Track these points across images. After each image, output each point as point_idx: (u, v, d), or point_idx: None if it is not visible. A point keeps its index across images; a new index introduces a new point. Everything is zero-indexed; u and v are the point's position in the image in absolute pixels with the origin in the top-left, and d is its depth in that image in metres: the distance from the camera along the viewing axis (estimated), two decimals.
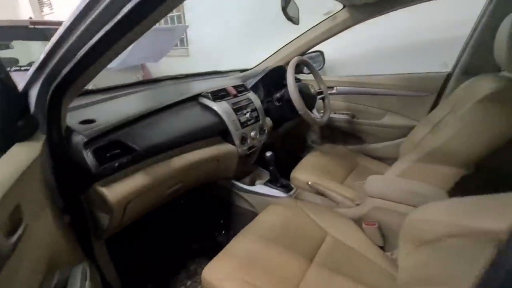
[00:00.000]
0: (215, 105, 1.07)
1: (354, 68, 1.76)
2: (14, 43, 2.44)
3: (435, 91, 1.31)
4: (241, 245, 0.81)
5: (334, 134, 1.71)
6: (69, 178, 0.69)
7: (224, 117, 1.07)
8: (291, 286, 0.70)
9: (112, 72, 2.00)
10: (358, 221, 0.93)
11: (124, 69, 2.18)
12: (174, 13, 2.79)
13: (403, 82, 1.40)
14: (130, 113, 0.84)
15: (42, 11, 5.90)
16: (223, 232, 1.31)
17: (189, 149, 0.96)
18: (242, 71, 1.67)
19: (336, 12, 1.34)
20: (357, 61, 1.75)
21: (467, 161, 0.81)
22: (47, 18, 5.68)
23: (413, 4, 1.17)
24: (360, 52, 1.72)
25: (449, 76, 1.27)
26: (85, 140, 0.68)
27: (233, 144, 1.10)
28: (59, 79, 0.59)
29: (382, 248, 0.88)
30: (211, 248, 0.88)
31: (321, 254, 0.81)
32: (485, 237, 0.62)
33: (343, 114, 1.62)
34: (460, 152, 0.81)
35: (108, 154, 0.71)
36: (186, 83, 1.36)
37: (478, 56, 1.15)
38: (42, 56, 0.60)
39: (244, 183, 1.25)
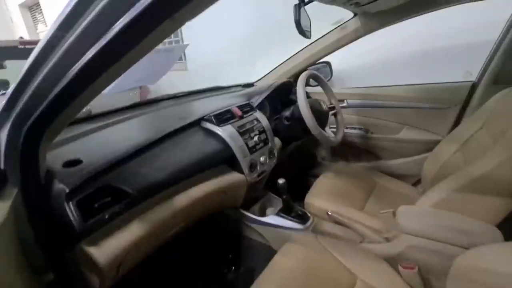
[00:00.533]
0: (219, 130, 0.96)
1: (364, 79, 1.65)
2: (8, 62, 2.35)
3: (458, 102, 1.20)
4: None
5: (346, 150, 1.59)
6: (50, 235, 0.56)
7: (230, 143, 0.95)
8: None
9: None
10: (391, 261, 0.80)
11: None
12: None
13: (421, 93, 1.29)
14: (123, 148, 0.72)
15: (36, 29, 5.85)
16: (233, 268, 1.17)
17: (192, 183, 0.84)
18: (245, 85, 1.56)
19: (346, 21, 1.24)
20: (368, 71, 1.64)
21: None
22: (43, 35, 5.62)
23: (431, 11, 1.07)
24: (370, 61, 1.62)
25: (474, 86, 1.16)
26: (67, 190, 0.56)
27: (242, 172, 0.98)
28: (33, 118, 0.47)
29: None
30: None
31: None
32: None
33: (355, 128, 1.51)
34: (510, 182, 0.69)
35: (96, 205, 0.58)
36: (186, 103, 1.25)
37: (509, 64, 1.04)
38: (10, 90, 0.48)
39: (253, 212, 1.13)
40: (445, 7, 1.05)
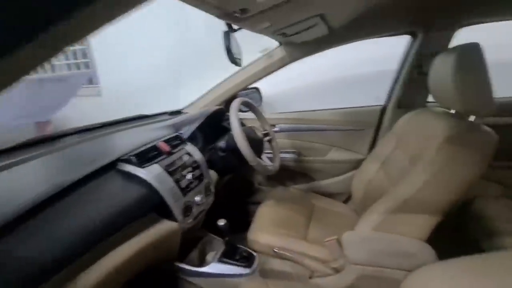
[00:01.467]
0: (142, 173, 0.79)
1: (292, 103, 1.72)
2: None
3: (373, 124, 1.35)
4: None
5: (281, 174, 1.59)
6: None
7: (157, 186, 0.79)
8: None
9: None
10: None
11: None
12: (77, 46, 2.32)
13: (342, 116, 1.41)
14: (7, 210, 0.49)
15: None
16: None
17: (113, 244, 0.65)
18: (172, 113, 1.41)
19: (273, 50, 1.27)
20: (295, 97, 1.73)
21: (441, 208, 0.76)
22: None
23: (347, 43, 1.18)
24: (297, 86, 1.71)
25: (384, 109, 1.32)
26: None
27: (174, 219, 0.82)
28: None
29: None
30: None
31: None
32: None
33: (288, 152, 1.53)
34: (433, 202, 0.76)
35: None
36: (99, 138, 1.02)
37: (408, 91, 1.22)
38: None
39: (191, 262, 0.96)
40: (359, 40, 1.19)
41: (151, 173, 0.80)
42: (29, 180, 0.71)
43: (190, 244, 1.05)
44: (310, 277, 0.91)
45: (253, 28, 0.74)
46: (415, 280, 0.63)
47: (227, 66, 1.32)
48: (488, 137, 0.73)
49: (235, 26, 0.71)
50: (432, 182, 0.73)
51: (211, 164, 1.12)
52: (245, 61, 1.34)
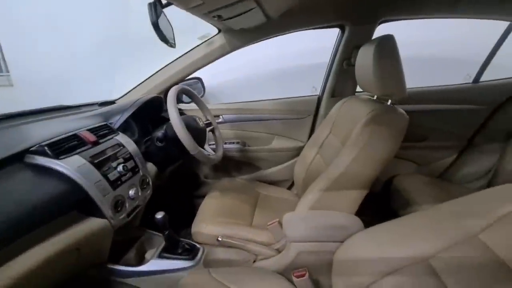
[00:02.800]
0: (59, 164, 0.68)
1: (233, 93, 1.71)
2: None
3: (311, 113, 1.43)
4: None
5: (227, 165, 1.58)
6: None
7: (80, 180, 0.70)
8: None
9: None
10: (285, 273, 0.80)
11: None
12: None
13: (284, 106, 1.45)
14: None
15: None
16: None
17: (23, 246, 0.54)
18: (103, 104, 1.27)
19: (212, 37, 1.24)
20: (235, 87, 1.72)
21: (367, 183, 0.84)
22: None
23: (284, 33, 1.22)
24: (238, 77, 1.71)
25: (319, 99, 1.41)
26: None
27: (102, 216, 0.74)
28: None
29: None
30: None
31: None
32: (418, 268, 0.62)
33: (233, 143, 1.52)
34: (360, 177, 0.84)
35: None
36: (7, 128, 0.85)
37: (339, 81, 1.33)
38: None
39: (127, 262, 0.89)
40: (295, 31, 1.23)
41: (70, 165, 0.70)
42: None
43: (127, 245, 0.97)
44: (254, 261, 0.92)
45: (184, 5, 0.69)
46: (345, 248, 0.69)
47: (168, 54, 1.25)
48: (401, 116, 0.83)
49: (164, 0, 0.66)
50: (358, 159, 0.81)
51: (148, 156, 1.04)
52: (184, 49, 1.29)
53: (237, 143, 1.51)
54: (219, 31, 1.21)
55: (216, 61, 1.29)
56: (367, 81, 0.89)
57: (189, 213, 1.13)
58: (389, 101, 0.90)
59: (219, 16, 0.87)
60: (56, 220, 0.65)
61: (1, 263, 0.52)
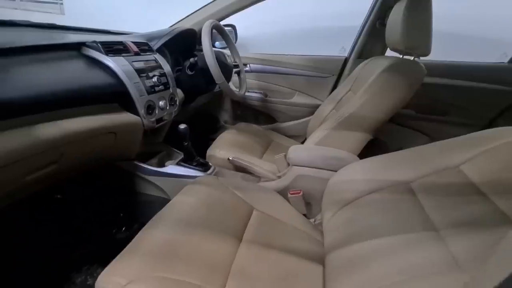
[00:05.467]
0: (109, 60, 0.80)
1: (264, 47, 1.76)
2: None
3: (335, 72, 1.45)
4: (152, 236, 0.63)
5: (246, 113, 1.68)
6: None
7: (123, 77, 0.82)
8: (222, 271, 0.59)
9: None
10: (283, 192, 0.91)
11: None
12: None
13: (310, 63, 1.49)
14: None
15: None
16: (124, 228, 1.04)
17: (68, 115, 0.68)
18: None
19: None
20: (267, 40, 1.76)
21: (372, 127, 0.90)
22: None
23: None
24: (269, 32, 1.74)
25: (346, 60, 1.43)
26: None
27: (137, 114, 0.87)
28: None
29: (305, 216, 0.89)
30: (107, 250, 0.65)
31: (249, 231, 0.73)
32: (398, 188, 0.70)
33: (255, 92, 1.60)
34: (367, 119, 0.89)
35: None
36: (59, 33, 0.99)
37: (369, 43, 1.33)
38: None
39: (152, 165, 1.03)
40: None
41: (117, 63, 0.82)
42: None
43: (151, 155, 1.11)
44: (258, 182, 1.03)
45: None
46: (339, 173, 0.77)
47: None
48: (418, 69, 0.86)
49: None
50: (368, 101, 0.86)
51: (178, 83, 1.15)
52: None
53: (259, 93, 1.59)
54: None
55: (252, 13, 1.33)
56: (394, 36, 0.91)
57: (204, 151, 1.24)
58: (412, 57, 0.93)
59: None
60: (101, 105, 0.78)
61: (56, 119, 0.65)
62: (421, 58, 0.91)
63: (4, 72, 0.56)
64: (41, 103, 0.61)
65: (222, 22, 1.48)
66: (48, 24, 1.06)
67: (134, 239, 0.62)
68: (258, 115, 1.65)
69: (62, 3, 2.14)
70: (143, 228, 0.66)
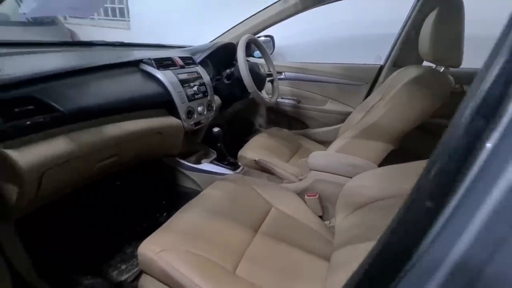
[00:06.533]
0: (159, 73, 0.98)
1: (301, 55, 1.83)
2: None
3: (369, 81, 1.46)
4: (183, 219, 0.76)
5: (280, 118, 1.76)
6: None
7: (169, 87, 0.99)
8: (236, 254, 0.69)
9: (30, 33, 1.66)
10: (301, 194, 0.98)
11: (48, 33, 1.84)
12: None
13: (343, 71, 1.51)
14: (47, 68, 0.70)
15: None
16: (165, 214, 1.22)
17: (127, 118, 0.86)
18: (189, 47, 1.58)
19: None
20: (304, 49, 1.83)
21: (394, 136, 0.91)
22: None
23: None
24: (307, 41, 1.80)
25: (381, 68, 1.42)
26: None
27: (179, 118, 1.03)
28: None
29: (321, 217, 0.94)
30: (151, 230, 0.78)
31: (265, 225, 0.83)
32: (402, 198, 0.72)
33: (289, 99, 1.68)
34: (389, 129, 0.91)
35: (16, 110, 0.58)
36: (124, 50, 1.22)
37: (405, 51, 1.31)
38: None
39: (190, 162, 1.19)
40: None
41: (165, 76, 0.99)
42: (69, 59, 0.93)
43: (191, 153, 1.28)
44: (280, 184, 1.11)
45: None
46: (354, 179, 0.82)
47: (249, 9, 1.45)
48: (443, 79, 0.85)
49: None
50: (391, 111, 0.88)
51: (217, 91, 1.30)
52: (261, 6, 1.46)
53: (293, 99, 1.66)
54: None
55: (291, 24, 1.42)
56: (424, 47, 0.92)
57: (238, 151, 1.37)
58: (442, 68, 0.91)
59: None
60: (151, 110, 0.96)
61: (118, 121, 0.83)
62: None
63: (85, 86, 0.76)
64: (108, 109, 0.80)
65: (262, 33, 1.62)
66: (118, 42, 1.31)
67: (169, 219, 0.76)
68: (291, 120, 1.73)
69: (129, 20, 2.51)
70: (177, 212, 0.80)
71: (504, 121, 0.18)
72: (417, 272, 0.20)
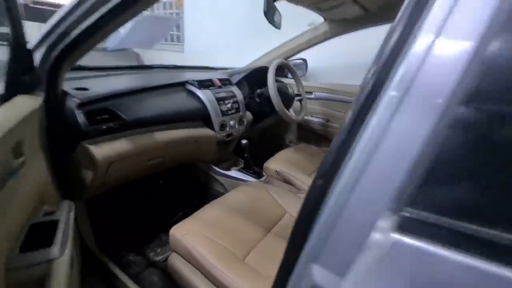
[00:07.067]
0: (200, 92, 1.19)
1: (331, 77, 1.93)
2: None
3: None
4: (207, 211, 0.92)
5: (309, 135, 1.86)
6: (61, 136, 0.78)
7: (207, 104, 1.19)
8: (247, 247, 0.81)
9: (108, 57, 2.09)
10: None
11: (120, 56, 2.28)
12: (174, 10, 2.92)
13: None
14: (119, 88, 0.94)
15: None
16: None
17: (172, 127, 1.07)
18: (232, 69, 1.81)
19: (319, 24, 1.51)
20: (334, 72, 1.93)
21: None
22: None
23: (382, 25, 1.35)
24: (338, 63, 1.90)
25: None
26: (79, 102, 0.78)
27: (213, 129, 1.22)
28: (62, 45, 0.69)
29: None
30: None
31: (278, 226, 0.93)
32: None
33: (318, 117, 1.78)
34: None
35: (98, 118, 0.81)
36: (176, 72, 1.48)
37: None
38: (50, 24, 0.70)
39: (221, 168, 1.37)
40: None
41: (205, 94, 1.20)
42: (135, 80, 1.19)
43: (223, 161, 1.46)
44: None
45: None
46: None
47: (285, 36, 1.63)
48: None
49: None
50: None
51: (249, 107, 1.48)
52: (294, 34, 1.63)
53: (322, 118, 1.76)
54: (325, 19, 1.46)
55: (325, 46, 1.55)
56: None
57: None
58: None
59: (319, 8, 1.15)
60: (191, 122, 1.16)
61: (165, 129, 1.04)
62: None
63: (144, 101, 0.99)
64: (159, 120, 1.01)
65: (296, 56, 1.77)
66: (172, 65, 1.59)
67: (197, 211, 0.92)
68: (320, 138, 1.81)
69: (183, 45, 2.91)
70: (204, 206, 0.96)
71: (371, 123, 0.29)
72: (321, 218, 0.32)
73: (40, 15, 2.29)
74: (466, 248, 0.22)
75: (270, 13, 1.03)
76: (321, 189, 0.32)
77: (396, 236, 0.26)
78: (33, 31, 0.72)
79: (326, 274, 0.30)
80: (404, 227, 0.26)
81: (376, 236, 0.27)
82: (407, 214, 0.26)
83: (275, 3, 1.04)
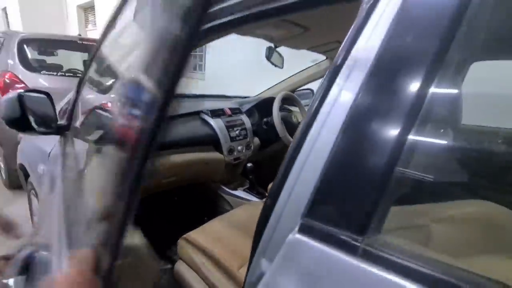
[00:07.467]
0: (212, 121, 1.38)
1: None
2: (59, 51, 2.90)
3: None
4: (211, 226, 1.06)
5: None
6: None
7: (218, 131, 1.37)
8: (243, 258, 0.93)
9: None
10: None
11: None
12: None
13: None
14: None
15: (86, 27, 6.70)
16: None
17: (186, 151, 1.25)
18: (244, 97, 2.00)
19: (321, 61, 1.68)
20: None
21: None
22: (90, 33, 6.45)
23: None
24: None
25: None
26: None
27: (222, 153, 1.38)
28: None
29: None
30: None
31: None
32: None
33: None
34: None
35: None
36: (194, 101, 1.69)
37: None
38: None
39: (229, 188, 1.51)
40: None
41: (216, 123, 1.38)
42: None
43: (232, 181, 1.61)
44: None
45: (287, 46, 1.21)
46: None
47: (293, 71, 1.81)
48: None
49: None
50: None
51: (256, 133, 1.64)
52: (299, 68, 1.81)
53: None
54: (326, 57, 1.63)
55: None
56: None
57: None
58: None
59: (317, 51, 1.32)
60: (203, 146, 1.34)
61: (181, 152, 1.22)
62: None
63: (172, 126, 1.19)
64: (176, 144, 1.20)
65: (305, 86, 1.94)
66: (192, 94, 1.81)
67: (203, 225, 1.06)
68: None
69: (204, 73, 3.21)
70: (211, 220, 1.10)
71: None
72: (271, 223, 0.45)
73: (84, 49, 2.69)
74: (333, 244, 0.34)
75: (271, 57, 1.22)
76: (270, 205, 0.46)
77: (298, 236, 0.38)
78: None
79: (266, 263, 0.43)
80: (304, 229, 0.38)
81: (290, 236, 0.40)
82: (306, 220, 0.38)
83: (277, 49, 1.23)
